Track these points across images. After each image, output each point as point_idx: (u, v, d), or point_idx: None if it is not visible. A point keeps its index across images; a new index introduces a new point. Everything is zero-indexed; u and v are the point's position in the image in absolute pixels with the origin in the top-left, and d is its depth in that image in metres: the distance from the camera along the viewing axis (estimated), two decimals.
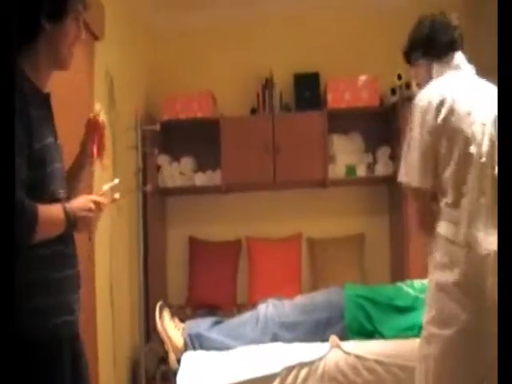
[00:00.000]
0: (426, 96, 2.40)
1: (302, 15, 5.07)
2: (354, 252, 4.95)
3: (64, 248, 2.02)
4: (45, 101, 2.02)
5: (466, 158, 2.29)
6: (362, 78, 4.81)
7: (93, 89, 3.60)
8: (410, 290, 2.95)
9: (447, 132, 2.31)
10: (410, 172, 2.36)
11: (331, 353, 2.68)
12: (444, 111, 2.32)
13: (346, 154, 4.87)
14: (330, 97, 4.86)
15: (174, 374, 2.90)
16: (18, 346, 1.80)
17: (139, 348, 4.16)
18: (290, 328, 2.94)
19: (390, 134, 4.76)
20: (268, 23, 5.15)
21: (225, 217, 5.15)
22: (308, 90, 5.06)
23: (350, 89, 4.83)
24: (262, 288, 4.81)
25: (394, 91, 4.68)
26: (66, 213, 1.91)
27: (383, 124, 4.87)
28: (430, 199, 2.37)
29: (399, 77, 4.57)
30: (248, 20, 5.14)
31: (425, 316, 2.27)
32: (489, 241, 2.22)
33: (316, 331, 2.89)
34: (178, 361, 2.97)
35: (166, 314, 3.15)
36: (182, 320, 3.26)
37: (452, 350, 2.18)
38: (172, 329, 3.09)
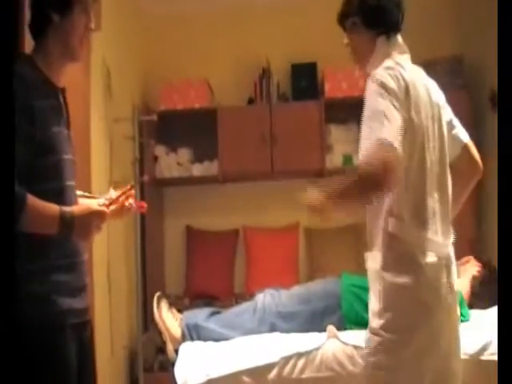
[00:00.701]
0: (393, 77, 2.10)
1: (300, 4, 5.07)
2: (350, 242, 4.96)
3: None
4: (56, 93, 2.04)
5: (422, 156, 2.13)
6: None
7: (89, 79, 3.59)
8: None
9: (410, 122, 2.08)
10: (388, 129, 2.01)
11: (328, 343, 2.68)
12: (411, 100, 2.09)
13: (343, 143, 4.88)
14: (327, 86, 4.87)
15: (172, 364, 2.90)
16: (23, 332, 1.83)
17: (137, 338, 4.18)
18: (287, 318, 2.94)
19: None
20: (265, 12, 5.14)
21: (222, 207, 5.16)
22: (305, 79, 5.06)
23: (347, 78, 4.84)
24: (259, 278, 4.82)
25: None
26: (63, 214, 1.89)
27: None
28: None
29: None
30: (245, 8, 5.14)
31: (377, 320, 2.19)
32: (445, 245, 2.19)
33: (313, 321, 2.90)
34: (176, 351, 2.97)
35: (164, 304, 3.15)
36: (180, 310, 3.26)
37: (426, 353, 2.12)
38: (170, 319, 3.09)
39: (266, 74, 4.99)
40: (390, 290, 2.10)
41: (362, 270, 4.69)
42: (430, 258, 2.10)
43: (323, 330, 2.75)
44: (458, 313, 2.23)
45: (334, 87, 4.86)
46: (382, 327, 2.09)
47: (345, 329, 2.82)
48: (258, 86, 5.02)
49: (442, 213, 2.18)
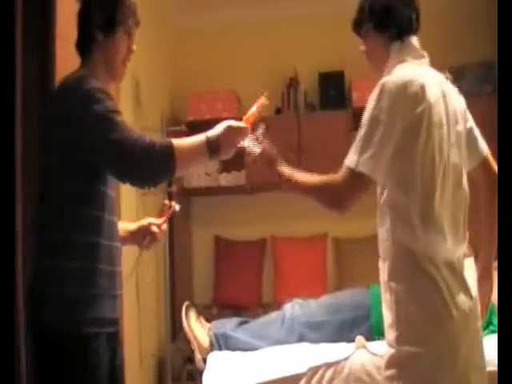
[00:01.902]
0: (404, 82, 2.07)
1: (327, 13, 5.05)
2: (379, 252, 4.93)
3: (114, 243, 2.10)
4: None
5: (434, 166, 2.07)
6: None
7: (119, 90, 3.62)
8: None
9: (421, 130, 2.05)
10: (363, 157, 2.08)
11: (357, 353, 2.67)
12: (423, 106, 2.05)
13: None
14: (354, 95, 4.86)
15: (200, 373, 2.90)
16: (56, 337, 1.88)
17: (165, 347, 4.19)
18: (315, 328, 2.93)
19: None
20: (292, 21, 5.14)
21: (250, 216, 5.16)
22: (333, 88, 5.05)
23: (375, 87, 4.80)
24: (287, 288, 4.80)
25: None
26: (209, 140, 2.05)
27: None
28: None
29: None
30: (272, 18, 5.15)
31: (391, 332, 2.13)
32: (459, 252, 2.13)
33: (342, 331, 2.89)
34: (204, 360, 2.98)
35: (192, 313, 3.16)
36: (208, 320, 3.27)
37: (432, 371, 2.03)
38: (198, 328, 3.10)
39: (293, 83, 4.99)
40: (399, 300, 2.06)
41: None
42: (440, 265, 2.03)
43: (352, 340, 2.74)
44: (479, 323, 2.11)
45: (361, 96, 4.83)
46: (396, 340, 2.05)
47: (374, 339, 2.81)
48: (286, 96, 5.02)
49: (454, 218, 2.11)
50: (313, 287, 4.64)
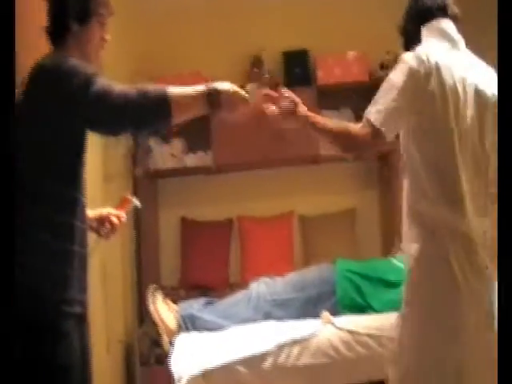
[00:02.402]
0: (416, 55, 2.21)
1: None
2: (345, 228, 4.95)
3: (81, 224, 2.10)
4: None
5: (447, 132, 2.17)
6: (351, 53, 4.79)
7: None
8: (401, 264, 2.94)
9: (430, 99, 2.16)
10: (375, 110, 2.23)
11: (324, 329, 2.67)
12: (434, 78, 2.16)
13: None
14: (319, 73, 4.84)
15: (168, 356, 2.88)
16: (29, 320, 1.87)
17: (133, 331, 4.15)
18: (282, 305, 2.93)
19: None
20: (256, 0, 5.09)
21: (216, 197, 5.13)
22: (297, 67, 5.02)
23: (340, 65, 4.81)
24: (254, 267, 4.80)
25: (382, 66, 4.68)
26: (209, 91, 2.05)
27: (372, 99, 4.84)
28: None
29: (388, 52, 4.55)
30: None
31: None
32: (479, 226, 2.17)
33: (308, 308, 2.89)
34: (172, 343, 2.96)
35: (159, 296, 3.14)
36: (176, 301, 3.25)
37: (431, 316, 2.13)
38: (165, 311, 3.08)
39: (257, 62, 4.95)
40: (415, 263, 2.15)
41: (356, 255, 4.71)
42: (455, 235, 2.11)
43: (318, 316, 2.73)
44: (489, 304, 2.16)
45: (326, 74, 4.83)
46: (408, 302, 2.15)
47: (339, 314, 2.81)
48: (250, 75, 4.97)
49: (475, 191, 2.18)
50: (280, 265, 4.63)
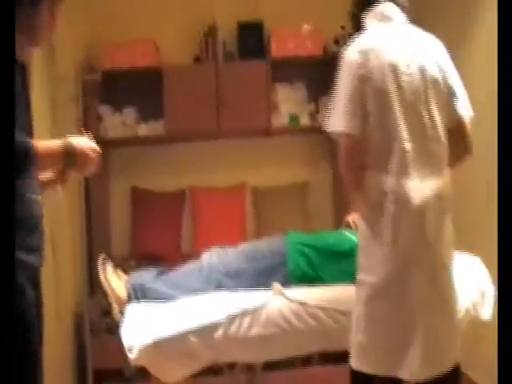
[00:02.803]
0: (354, 48, 2.37)
1: None
2: (298, 200, 5.00)
3: (35, 195, 2.10)
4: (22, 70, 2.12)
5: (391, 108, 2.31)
6: (306, 27, 4.80)
7: None
8: (352, 237, 2.98)
9: (374, 81, 2.30)
10: (336, 118, 2.36)
11: (274, 300, 2.69)
12: (372, 62, 2.30)
13: (290, 103, 4.87)
14: (273, 46, 4.83)
15: (119, 326, 2.88)
16: None
17: (83, 301, 4.13)
18: (233, 276, 2.94)
19: (333, 84, 4.77)
20: None
21: (168, 167, 5.12)
22: (252, 38, 5.00)
23: (294, 38, 4.81)
24: (206, 238, 4.81)
25: (337, 41, 4.70)
26: (66, 147, 2.02)
27: (326, 74, 4.82)
28: (358, 153, 2.37)
29: (342, 27, 4.56)
30: None
31: (357, 262, 2.38)
32: (423, 190, 2.26)
33: (259, 279, 2.90)
34: (122, 312, 2.95)
35: (109, 265, 3.12)
36: (126, 272, 3.23)
37: (378, 296, 2.29)
38: (115, 280, 3.06)
39: (211, 32, 4.92)
40: (361, 234, 2.38)
41: (308, 228, 4.75)
42: (397, 200, 2.25)
43: (269, 287, 2.76)
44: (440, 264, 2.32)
45: (280, 47, 4.82)
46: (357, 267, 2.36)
47: (290, 286, 2.84)
48: (204, 45, 4.94)
49: (420, 158, 2.29)
50: (232, 237, 4.66)
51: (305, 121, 4.85)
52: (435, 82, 2.37)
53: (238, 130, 4.87)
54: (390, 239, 2.25)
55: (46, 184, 2.30)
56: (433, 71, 2.37)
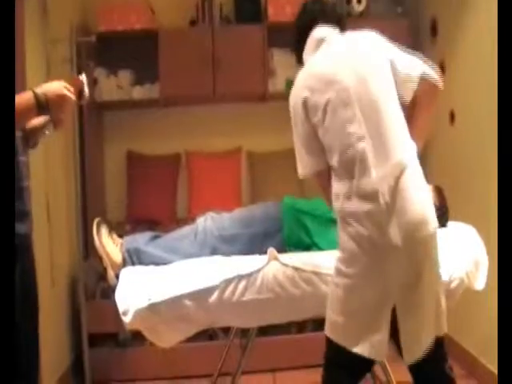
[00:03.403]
0: (294, 90, 2.49)
1: None
2: (293, 166, 4.92)
3: (25, 158, 2.09)
4: None
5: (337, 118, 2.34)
6: None
7: None
8: None
9: (313, 108, 2.37)
10: (303, 163, 2.53)
11: (269, 265, 2.69)
12: (305, 93, 2.39)
13: (286, 68, 4.83)
14: (270, 10, 4.79)
15: (113, 290, 2.87)
16: None
17: (78, 265, 4.14)
18: (228, 241, 2.93)
19: None
20: None
21: (164, 131, 5.10)
22: (248, 2, 4.96)
23: (291, 2, 4.75)
24: (202, 202, 4.81)
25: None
26: (37, 96, 2.06)
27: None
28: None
29: None
30: None
31: (338, 252, 2.38)
32: (382, 175, 2.25)
33: (254, 244, 2.90)
34: (117, 276, 2.95)
35: (104, 229, 3.10)
36: (122, 236, 3.22)
37: (356, 286, 2.30)
38: (110, 245, 3.05)
39: None
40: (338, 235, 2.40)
41: (303, 194, 4.75)
42: (364, 197, 2.26)
43: (264, 252, 2.75)
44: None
45: (277, 11, 4.78)
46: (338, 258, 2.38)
47: (285, 251, 2.84)
48: (200, 8, 4.89)
49: (376, 153, 2.28)
50: (227, 201, 4.66)
51: None
52: (379, 74, 2.38)
53: (233, 95, 4.84)
54: (364, 235, 2.26)
55: (34, 132, 2.33)
56: (374, 67, 2.39)
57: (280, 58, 4.86)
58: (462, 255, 2.81)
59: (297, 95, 2.44)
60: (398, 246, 2.22)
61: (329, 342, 2.40)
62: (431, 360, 2.33)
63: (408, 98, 2.41)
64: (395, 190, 2.23)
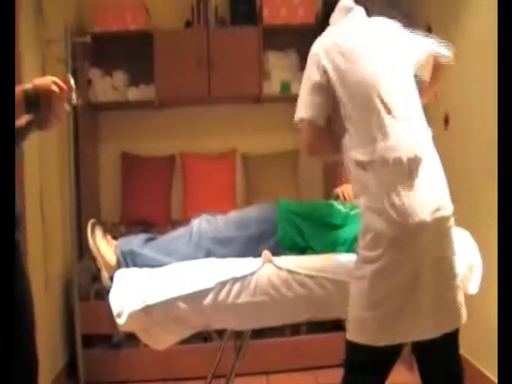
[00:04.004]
0: (318, 41, 2.46)
1: None
2: (288, 168, 4.99)
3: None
4: None
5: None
6: None
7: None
8: (341, 208, 2.97)
9: (340, 73, 2.36)
10: (301, 108, 2.47)
11: (264, 268, 2.68)
12: (334, 56, 2.37)
13: (281, 70, 4.84)
14: (265, 12, 4.80)
15: (108, 291, 2.86)
16: None
17: (72, 266, 4.13)
18: (223, 243, 2.92)
19: None
20: None
21: (158, 132, 5.10)
22: (244, 4, 4.97)
23: (286, 5, 4.78)
24: (196, 204, 4.81)
25: None
26: (25, 91, 1.95)
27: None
28: (323, 133, 2.47)
29: None
30: None
31: (360, 241, 2.35)
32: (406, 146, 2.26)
33: (249, 246, 2.89)
34: (111, 278, 2.94)
35: (99, 231, 3.09)
36: (116, 238, 3.21)
37: (385, 268, 2.26)
38: (104, 246, 3.04)
39: None
40: (362, 212, 2.34)
41: (297, 196, 4.75)
42: (386, 165, 2.24)
43: (259, 255, 2.75)
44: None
45: (272, 13, 4.80)
46: (361, 246, 2.31)
47: (280, 254, 2.84)
48: (196, 9, 4.89)
49: (399, 123, 2.29)
50: (222, 203, 4.66)
51: (296, 89, 4.78)
52: (399, 55, 2.43)
53: (228, 97, 4.85)
54: (394, 204, 2.23)
55: (25, 130, 2.22)
56: (395, 48, 2.44)
57: (275, 60, 4.87)
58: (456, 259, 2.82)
59: (322, 43, 2.43)
60: (426, 221, 2.21)
61: (352, 345, 2.36)
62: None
63: (427, 78, 2.49)
64: (419, 165, 2.25)
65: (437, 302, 2.30)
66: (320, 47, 2.42)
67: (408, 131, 2.28)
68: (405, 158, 2.23)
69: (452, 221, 2.33)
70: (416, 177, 2.24)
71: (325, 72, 2.37)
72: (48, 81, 2.02)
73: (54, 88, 2.02)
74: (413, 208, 2.21)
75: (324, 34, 2.48)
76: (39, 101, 1.98)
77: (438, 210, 2.25)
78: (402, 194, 2.22)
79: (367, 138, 2.29)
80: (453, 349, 2.47)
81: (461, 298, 2.36)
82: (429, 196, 2.24)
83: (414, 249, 2.23)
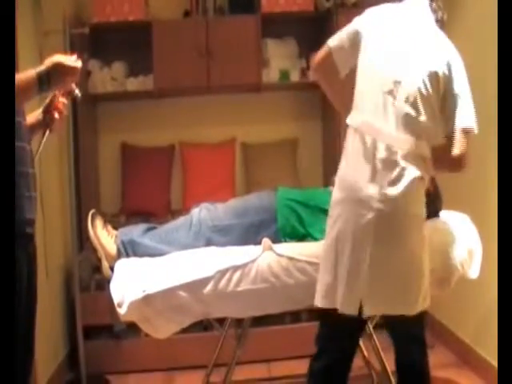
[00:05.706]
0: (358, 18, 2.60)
1: None
2: (287, 156, 4.98)
3: (27, 145, 2.14)
4: None
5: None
6: None
7: None
8: None
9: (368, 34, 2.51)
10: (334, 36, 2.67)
11: (264, 255, 2.70)
12: (367, 21, 2.53)
13: (280, 58, 4.82)
14: (263, 1, 4.76)
15: (108, 282, 2.87)
16: None
17: (72, 257, 4.13)
18: (222, 232, 2.93)
19: (324, 40, 4.67)
20: None
21: (158, 122, 5.09)
22: None
23: None
24: (196, 194, 4.81)
25: None
26: (39, 73, 2.06)
27: (317, 29, 4.82)
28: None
29: None
30: None
31: None
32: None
33: (249, 234, 2.90)
34: (112, 268, 2.95)
35: (99, 221, 3.10)
36: (116, 228, 3.22)
37: (338, 241, 2.39)
38: (104, 236, 3.05)
39: None
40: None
41: (297, 184, 4.75)
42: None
43: (259, 243, 2.76)
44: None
45: (270, 2, 4.76)
46: None
47: (280, 241, 2.84)
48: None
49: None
50: (222, 193, 4.66)
51: (295, 77, 4.81)
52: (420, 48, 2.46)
53: (227, 86, 4.83)
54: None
55: (33, 127, 2.36)
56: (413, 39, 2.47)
57: (274, 49, 4.85)
58: (456, 244, 2.82)
59: (367, 14, 2.58)
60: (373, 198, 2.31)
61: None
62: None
63: (438, 141, 2.40)
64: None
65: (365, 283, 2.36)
66: (358, 20, 2.59)
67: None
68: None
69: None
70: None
71: (360, 36, 2.54)
72: (61, 56, 2.11)
73: (68, 62, 2.11)
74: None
75: (375, 10, 2.58)
76: (50, 78, 2.06)
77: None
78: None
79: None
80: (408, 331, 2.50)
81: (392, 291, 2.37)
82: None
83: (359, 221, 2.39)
